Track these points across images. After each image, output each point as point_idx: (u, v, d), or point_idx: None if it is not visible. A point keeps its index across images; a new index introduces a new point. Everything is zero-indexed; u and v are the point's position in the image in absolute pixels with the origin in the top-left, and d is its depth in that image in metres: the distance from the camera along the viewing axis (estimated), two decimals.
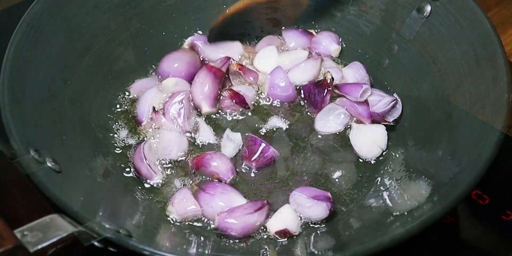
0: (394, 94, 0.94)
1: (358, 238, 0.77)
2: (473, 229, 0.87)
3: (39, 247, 0.58)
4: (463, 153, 0.75)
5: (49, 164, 0.71)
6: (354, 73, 0.97)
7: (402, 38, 0.93)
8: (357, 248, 0.65)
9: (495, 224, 0.86)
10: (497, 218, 0.87)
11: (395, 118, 0.92)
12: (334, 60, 1.01)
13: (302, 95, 0.97)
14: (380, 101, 0.92)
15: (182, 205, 0.83)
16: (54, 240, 0.59)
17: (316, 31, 1.03)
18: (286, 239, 0.81)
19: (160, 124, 0.91)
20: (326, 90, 0.93)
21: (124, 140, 0.92)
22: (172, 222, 0.83)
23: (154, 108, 0.91)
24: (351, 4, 0.98)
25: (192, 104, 0.94)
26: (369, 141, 0.90)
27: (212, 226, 0.83)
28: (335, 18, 1.01)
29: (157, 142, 0.90)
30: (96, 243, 0.65)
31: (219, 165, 0.87)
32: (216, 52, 1.01)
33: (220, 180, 0.87)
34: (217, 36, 1.00)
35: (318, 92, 0.94)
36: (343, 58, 1.02)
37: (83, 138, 0.85)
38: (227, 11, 0.94)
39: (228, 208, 0.81)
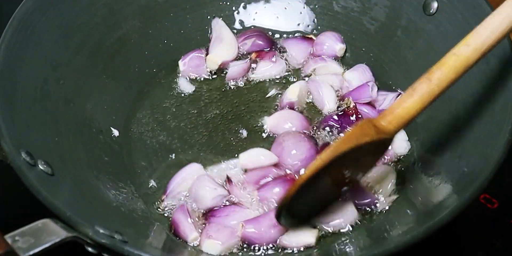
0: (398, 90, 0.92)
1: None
2: (482, 233, 0.86)
3: (31, 252, 0.57)
4: (471, 155, 0.74)
5: (41, 167, 0.70)
6: (360, 76, 0.94)
7: (407, 36, 0.92)
8: None
9: (504, 229, 0.86)
10: (506, 223, 0.86)
11: None
12: (337, 61, 0.98)
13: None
14: (385, 99, 0.91)
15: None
16: (47, 245, 0.58)
17: (315, 35, 1.01)
18: None
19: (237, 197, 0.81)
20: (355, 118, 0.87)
21: (119, 141, 0.90)
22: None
23: (228, 177, 0.81)
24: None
25: None
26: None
27: None
28: (338, 16, 1.00)
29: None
30: (90, 249, 0.64)
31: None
32: None
33: None
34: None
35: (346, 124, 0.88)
36: (346, 58, 1.00)
37: (77, 140, 0.83)
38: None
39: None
